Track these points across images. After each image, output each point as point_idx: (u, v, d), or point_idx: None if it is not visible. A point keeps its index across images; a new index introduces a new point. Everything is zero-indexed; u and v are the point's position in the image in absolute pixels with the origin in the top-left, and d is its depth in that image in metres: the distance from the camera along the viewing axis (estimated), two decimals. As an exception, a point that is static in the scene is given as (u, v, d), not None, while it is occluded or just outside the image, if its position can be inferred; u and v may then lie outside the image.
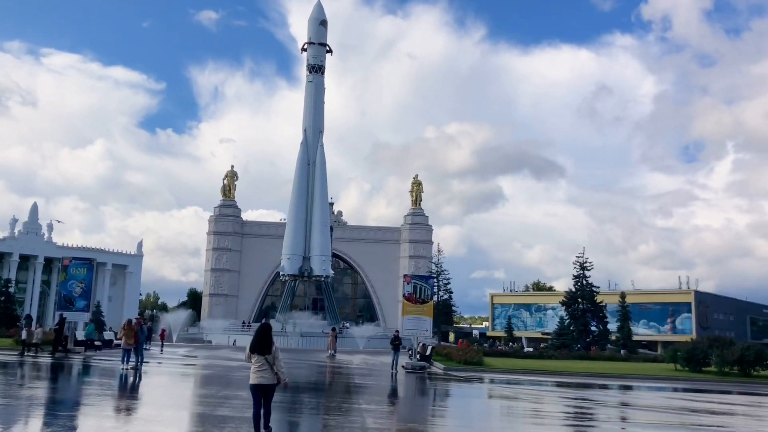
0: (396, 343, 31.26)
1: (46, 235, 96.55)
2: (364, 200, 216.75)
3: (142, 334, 25.21)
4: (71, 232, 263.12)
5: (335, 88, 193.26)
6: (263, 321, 13.64)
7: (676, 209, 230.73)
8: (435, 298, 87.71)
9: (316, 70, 72.21)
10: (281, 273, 70.27)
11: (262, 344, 11.51)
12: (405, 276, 32.63)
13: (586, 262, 72.96)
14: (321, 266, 68.40)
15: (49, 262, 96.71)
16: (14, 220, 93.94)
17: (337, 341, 42.02)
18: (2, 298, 65.00)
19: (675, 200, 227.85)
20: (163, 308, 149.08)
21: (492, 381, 29.38)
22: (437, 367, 33.76)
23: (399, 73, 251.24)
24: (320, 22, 72.28)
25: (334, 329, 42.66)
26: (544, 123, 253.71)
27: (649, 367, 43.72)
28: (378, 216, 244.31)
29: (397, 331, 33.44)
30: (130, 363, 24.62)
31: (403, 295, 32.28)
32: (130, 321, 25.62)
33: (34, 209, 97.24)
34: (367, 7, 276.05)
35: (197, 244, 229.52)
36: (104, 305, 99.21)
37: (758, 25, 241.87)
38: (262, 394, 11.46)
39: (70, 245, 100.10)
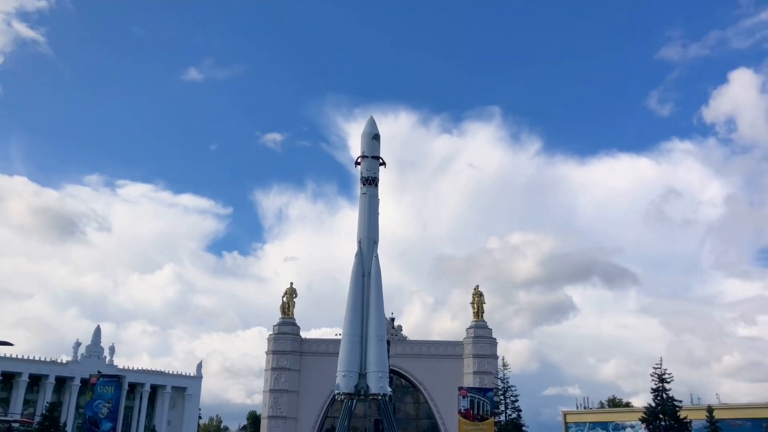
0: None
1: (108, 358, 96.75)
2: (427, 315, 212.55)
3: None
4: (139, 356, 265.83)
5: (395, 204, 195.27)
6: None
7: (758, 316, 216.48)
8: (503, 417, 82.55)
9: (370, 182, 72.09)
10: (336, 391, 66.91)
11: None
12: (460, 389, 29.62)
13: (664, 374, 67.46)
14: (378, 383, 64.80)
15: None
16: (77, 344, 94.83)
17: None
18: (46, 423, 63.99)
19: (757, 307, 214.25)
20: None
21: None
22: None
23: (457, 188, 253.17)
24: (373, 136, 72.99)
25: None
26: (609, 231, 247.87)
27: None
28: (442, 330, 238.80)
29: None
30: None
31: (459, 411, 29.22)
32: None
33: (97, 332, 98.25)
34: (424, 127, 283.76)
35: (261, 365, 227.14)
36: (163, 428, 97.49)
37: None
38: None
39: (130, 368, 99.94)
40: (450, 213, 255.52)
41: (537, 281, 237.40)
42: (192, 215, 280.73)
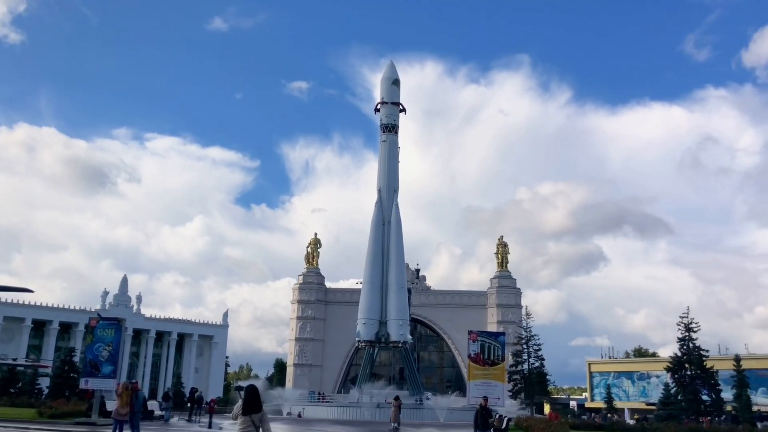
0: (485, 419, 21.08)
1: (135, 307, 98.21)
2: (455, 266, 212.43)
3: (138, 402, 22.07)
4: (172, 306, 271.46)
5: (422, 156, 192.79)
6: (250, 384, 12.70)
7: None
8: (525, 366, 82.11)
9: (390, 129, 70.84)
10: (357, 339, 67.12)
11: (249, 406, 11.41)
12: (470, 333, 28.64)
13: (691, 323, 65.95)
14: (398, 331, 64.85)
15: (137, 333, 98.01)
16: (105, 293, 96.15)
17: (401, 412, 37.98)
18: (66, 368, 65.31)
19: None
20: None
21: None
22: (513, 442, 29.50)
23: (485, 138, 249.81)
24: (393, 82, 71.34)
25: (397, 398, 38.69)
26: (642, 180, 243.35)
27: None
28: (470, 281, 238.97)
29: (485, 400, 22.39)
30: None
31: (469, 356, 28.39)
32: (127, 385, 22.32)
33: (124, 281, 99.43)
34: (450, 78, 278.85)
35: (289, 315, 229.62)
36: (190, 376, 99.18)
37: None
38: None
39: (157, 316, 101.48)
40: (478, 164, 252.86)
41: (567, 232, 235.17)
42: (220, 168, 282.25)
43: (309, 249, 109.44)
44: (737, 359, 66.04)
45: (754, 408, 67.90)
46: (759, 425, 58.38)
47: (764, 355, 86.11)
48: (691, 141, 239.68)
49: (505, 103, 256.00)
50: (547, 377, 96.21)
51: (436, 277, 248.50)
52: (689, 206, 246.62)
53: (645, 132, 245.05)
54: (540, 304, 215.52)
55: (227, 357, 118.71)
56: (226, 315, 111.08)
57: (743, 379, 64.62)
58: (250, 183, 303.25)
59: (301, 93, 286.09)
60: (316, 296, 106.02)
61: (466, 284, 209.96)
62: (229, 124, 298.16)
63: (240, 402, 11.96)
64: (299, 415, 57.38)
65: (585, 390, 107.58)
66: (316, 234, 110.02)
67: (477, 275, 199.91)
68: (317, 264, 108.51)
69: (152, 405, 39.19)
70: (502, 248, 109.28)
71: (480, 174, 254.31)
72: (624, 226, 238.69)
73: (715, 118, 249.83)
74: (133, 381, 25.24)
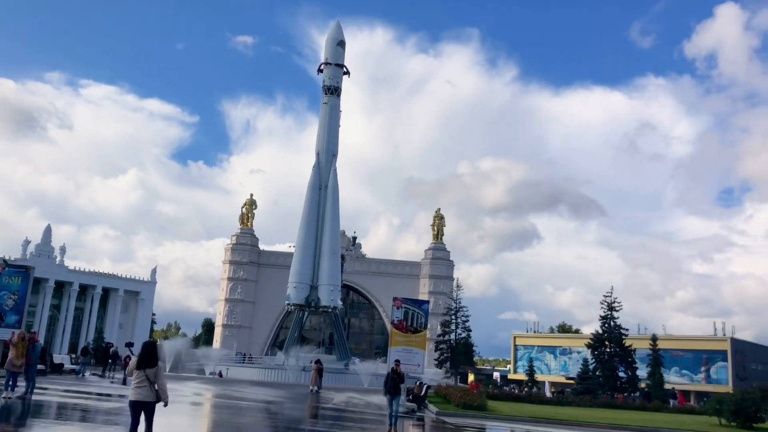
0: (396, 383, 20.19)
1: (58, 258, 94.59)
2: (393, 236, 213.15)
3: (35, 353, 20.91)
4: (100, 260, 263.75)
5: (367, 124, 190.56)
6: (150, 340, 13.05)
7: (715, 255, 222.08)
8: (453, 336, 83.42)
9: (332, 91, 69.50)
10: (286, 302, 66.50)
11: (145, 360, 11.32)
12: (395, 300, 28.40)
13: (614, 303, 67.96)
14: (329, 296, 64.54)
15: (60, 286, 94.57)
16: (26, 242, 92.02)
17: (322, 376, 37.84)
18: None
19: (714, 245, 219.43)
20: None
21: (480, 430, 25.08)
22: (430, 411, 29.54)
23: (430, 110, 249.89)
24: (338, 43, 69.81)
25: (317, 362, 38.53)
26: (578, 162, 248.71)
27: (688, 420, 37.98)
28: (406, 252, 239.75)
29: (397, 364, 21.31)
30: (15, 391, 20.38)
31: (392, 322, 28.20)
32: (23, 335, 20.94)
33: (47, 231, 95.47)
34: (399, 45, 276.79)
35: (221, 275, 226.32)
36: (114, 332, 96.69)
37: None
38: (140, 411, 11.25)
39: (80, 269, 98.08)
40: (422, 135, 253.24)
41: (504, 208, 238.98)
42: (157, 121, 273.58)
43: (244, 210, 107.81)
44: (654, 339, 68.56)
45: (667, 386, 70.84)
46: (671, 402, 60.89)
47: (680, 336, 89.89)
48: (629, 126, 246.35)
49: (452, 76, 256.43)
50: (474, 348, 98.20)
51: (373, 246, 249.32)
52: (622, 190, 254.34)
53: (586, 115, 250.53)
54: (473, 277, 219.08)
55: (154, 314, 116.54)
56: (154, 271, 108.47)
57: (658, 359, 67.17)
58: (187, 138, 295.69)
59: (246, 48, 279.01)
60: (248, 258, 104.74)
61: (402, 254, 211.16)
62: (169, 76, 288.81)
63: (135, 357, 11.79)
64: (220, 375, 56.65)
65: (509, 362, 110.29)
66: (252, 195, 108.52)
67: (414, 246, 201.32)
68: (251, 225, 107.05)
69: (61, 359, 37.69)
70: (439, 220, 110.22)
71: (423, 145, 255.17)
72: (559, 205, 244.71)
73: (654, 106, 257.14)
74: (32, 331, 23.91)
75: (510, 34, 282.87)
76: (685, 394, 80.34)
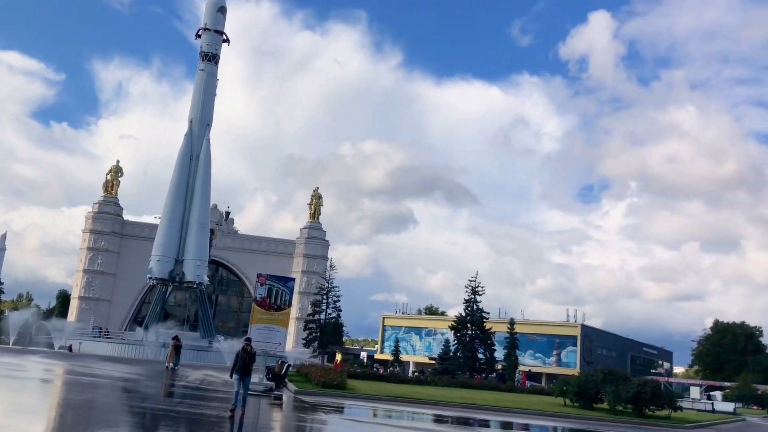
0: (245, 363, 18.79)
1: None
2: (270, 213, 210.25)
3: None
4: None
5: (248, 97, 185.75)
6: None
7: (573, 246, 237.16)
8: (323, 316, 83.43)
9: (210, 58, 66.79)
10: (148, 276, 63.49)
11: None
12: (259, 276, 27.63)
13: (478, 287, 70.68)
14: (195, 271, 62.27)
15: None
16: None
17: (180, 353, 36.44)
18: None
19: (572, 238, 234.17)
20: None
21: (337, 410, 25.04)
22: (289, 389, 29.18)
23: (314, 88, 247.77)
24: (218, 8, 67.03)
25: (175, 338, 37.13)
26: (455, 152, 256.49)
27: (535, 400, 40.39)
28: (283, 230, 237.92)
29: (246, 343, 19.86)
30: None
31: (255, 299, 27.45)
32: None
33: None
34: (286, 19, 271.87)
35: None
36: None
37: (666, 75, 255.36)
38: None
39: None
40: (304, 113, 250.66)
41: (383, 191, 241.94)
42: (17, 76, 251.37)
43: (109, 177, 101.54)
44: (512, 323, 72.05)
45: (522, 368, 74.93)
46: (529, 384, 64.48)
47: (536, 321, 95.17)
48: (505, 120, 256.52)
49: (338, 56, 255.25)
50: (343, 328, 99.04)
51: (249, 223, 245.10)
52: (495, 181, 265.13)
53: (465, 106, 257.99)
54: (350, 257, 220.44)
55: (2, 283, 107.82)
56: (4, 237, 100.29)
57: (514, 341, 70.75)
58: (51, 98, 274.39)
59: (122, 6, 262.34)
60: (111, 228, 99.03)
61: (279, 232, 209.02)
62: (33, 29, 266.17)
63: None
64: (70, 349, 53.26)
65: (378, 342, 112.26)
66: (118, 161, 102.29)
67: (291, 224, 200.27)
68: (116, 193, 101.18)
69: None
70: (317, 200, 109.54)
71: (306, 123, 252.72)
72: (435, 192, 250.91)
73: (527, 103, 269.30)
74: None
75: (397, 20, 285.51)
76: (538, 376, 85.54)
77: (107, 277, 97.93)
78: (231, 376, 18.99)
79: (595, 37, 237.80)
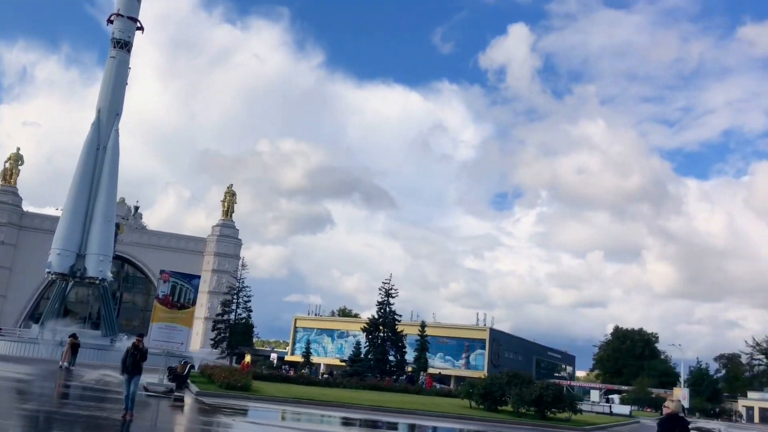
0: (136, 361, 17.29)
1: None
2: (182, 209, 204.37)
3: None
4: None
5: (162, 88, 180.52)
6: None
7: (485, 252, 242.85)
8: (233, 316, 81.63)
9: (122, 45, 64.04)
10: (47, 270, 60.11)
11: None
12: (162, 273, 26.56)
13: (391, 290, 71.05)
14: (97, 267, 59.25)
15: None
16: None
17: (77, 352, 34.58)
18: None
19: (485, 244, 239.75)
20: None
21: (241, 412, 24.39)
22: (191, 391, 28.18)
23: (233, 83, 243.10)
24: (133, -6, 64.39)
25: (73, 336, 35.26)
26: (375, 154, 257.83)
27: (442, 402, 40.85)
28: (195, 227, 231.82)
29: (138, 339, 18.01)
30: None
31: (157, 297, 26.38)
32: None
33: None
34: (206, 11, 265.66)
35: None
36: None
37: (578, 89, 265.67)
38: None
39: None
40: (222, 108, 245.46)
41: (301, 191, 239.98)
42: None
43: (7, 165, 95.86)
44: (422, 326, 72.84)
45: (431, 370, 75.77)
46: (437, 386, 65.22)
47: (447, 324, 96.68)
48: (424, 126, 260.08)
49: (258, 52, 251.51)
50: (254, 329, 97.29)
51: (159, 218, 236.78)
52: (412, 185, 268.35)
53: (385, 110, 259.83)
54: (264, 257, 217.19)
55: None
56: None
57: (425, 344, 71.53)
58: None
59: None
60: (8, 218, 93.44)
61: (190, 229, 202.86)
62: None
63: None
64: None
65: (289, 344, 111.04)
66: (18, 149, 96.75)
67: (204, 221, 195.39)
68: (15, 183, 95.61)
69: None
70: (230, 197, 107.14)
71: (222, 118, 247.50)
72: (354, 193, 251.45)
73: (446, 110, 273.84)
74: None
75: (320, 19, 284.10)
76: (447, 378, 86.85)
77: (2, 271, 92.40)
78: (121, 374, 17.64)
79: (514, 49, 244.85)
